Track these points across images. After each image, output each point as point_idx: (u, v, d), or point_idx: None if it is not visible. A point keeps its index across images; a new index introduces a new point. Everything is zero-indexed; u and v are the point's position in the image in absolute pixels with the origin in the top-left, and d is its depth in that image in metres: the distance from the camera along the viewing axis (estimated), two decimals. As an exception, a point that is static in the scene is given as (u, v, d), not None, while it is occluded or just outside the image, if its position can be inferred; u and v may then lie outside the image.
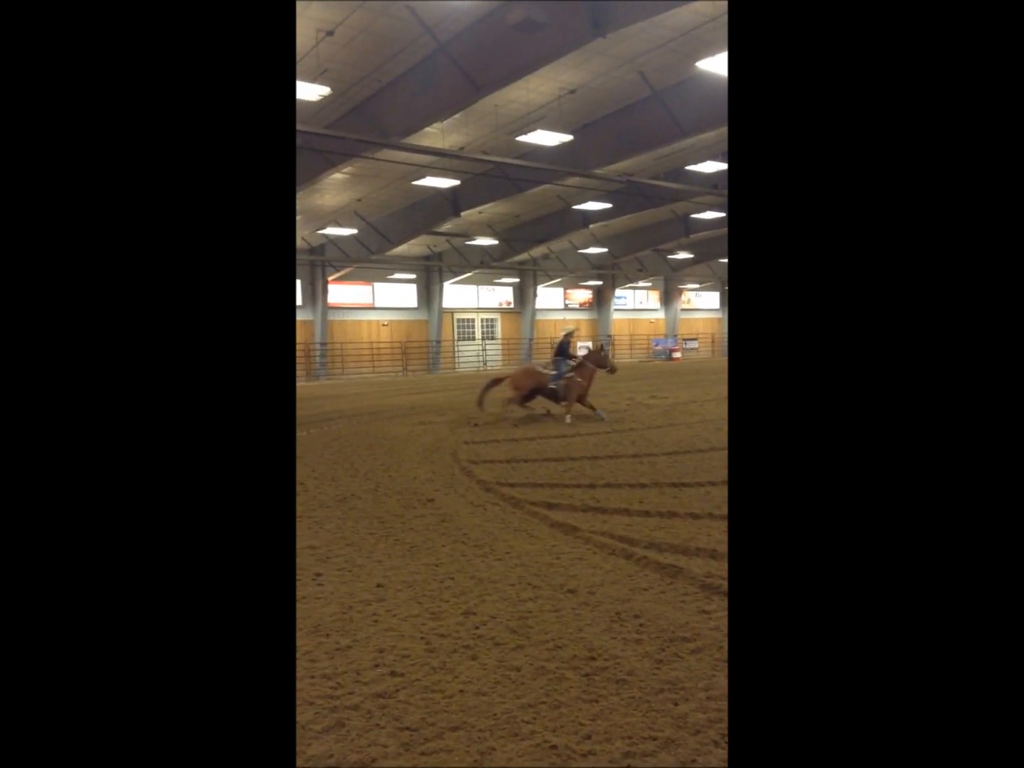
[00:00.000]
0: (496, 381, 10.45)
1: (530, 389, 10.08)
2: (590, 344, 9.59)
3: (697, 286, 35.74)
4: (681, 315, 35.47)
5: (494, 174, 16.76)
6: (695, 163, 16.79)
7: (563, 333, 10.64)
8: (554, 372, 10.00)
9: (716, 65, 10.48)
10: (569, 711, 2.31)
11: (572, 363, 10.11)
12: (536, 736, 2.18)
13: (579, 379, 9.95)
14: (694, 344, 35.01)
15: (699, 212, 22.99)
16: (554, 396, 10.05)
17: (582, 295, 32.80)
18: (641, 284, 33.54)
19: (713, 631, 2.87)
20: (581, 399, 10.02)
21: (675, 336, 33.84)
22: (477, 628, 2.99)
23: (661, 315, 35.25)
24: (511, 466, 6.74)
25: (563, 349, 10.21)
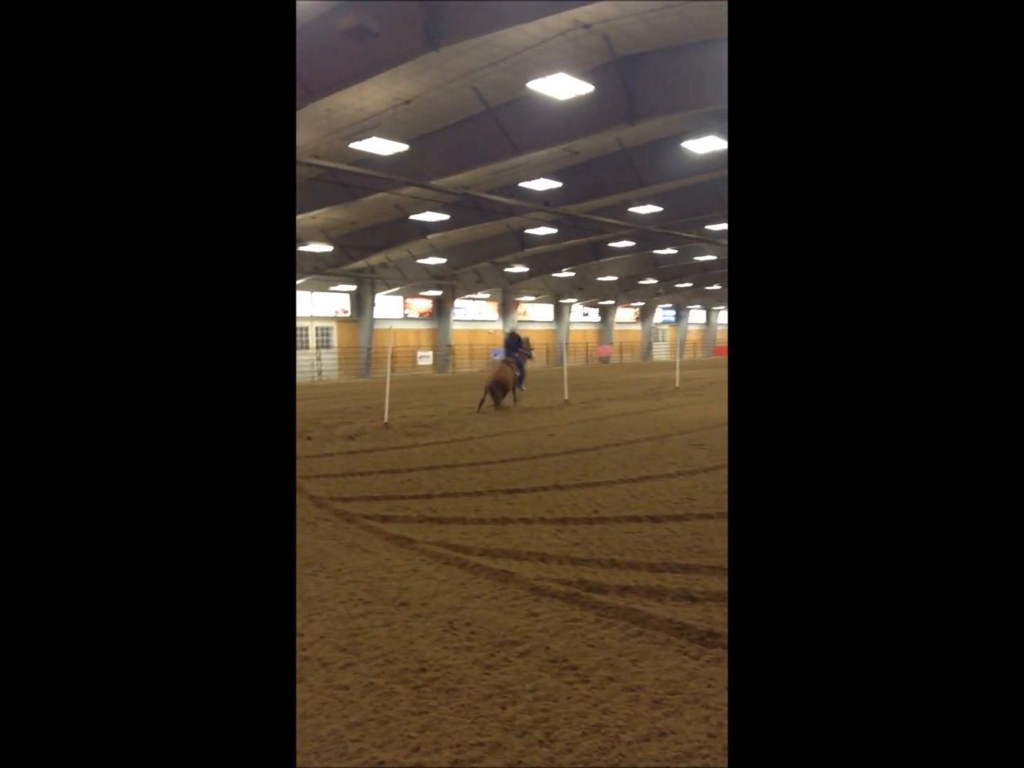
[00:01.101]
0: (491, 390, 12.41)
1: (503, 383, 12.46)
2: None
3: (532, 298, 36.91)
4: (518, 326, 36.46)
5: (327, 179, 16.35)
6: (528, 180, 17.37)
7: (508, 332, 13.92)
8: (516, 366, 12.83)
9: (547, 86, 10.93)
10: (398, 725, 2.29)
11: (516, 355, 13.37)
12: (364, 754, 2.14)
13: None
14: (531, 354, 36.05)
15: (533, 228, 23.78)
16: (518, 382, 12.95)
17: (422, 304, 32.77)
18: (480, 295, 34.10)
19: (541, 633, 2.97)
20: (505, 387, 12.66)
21: (513, 346, 34.68)
22: (304, 649, 2.89)
23: (499, 326, 36.02)
24: (345, 480, 6.58)
25: (516, 345, 13.18)
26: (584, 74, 11.22)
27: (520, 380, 12.92)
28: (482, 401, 12.35)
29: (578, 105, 12.05)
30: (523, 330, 18.52)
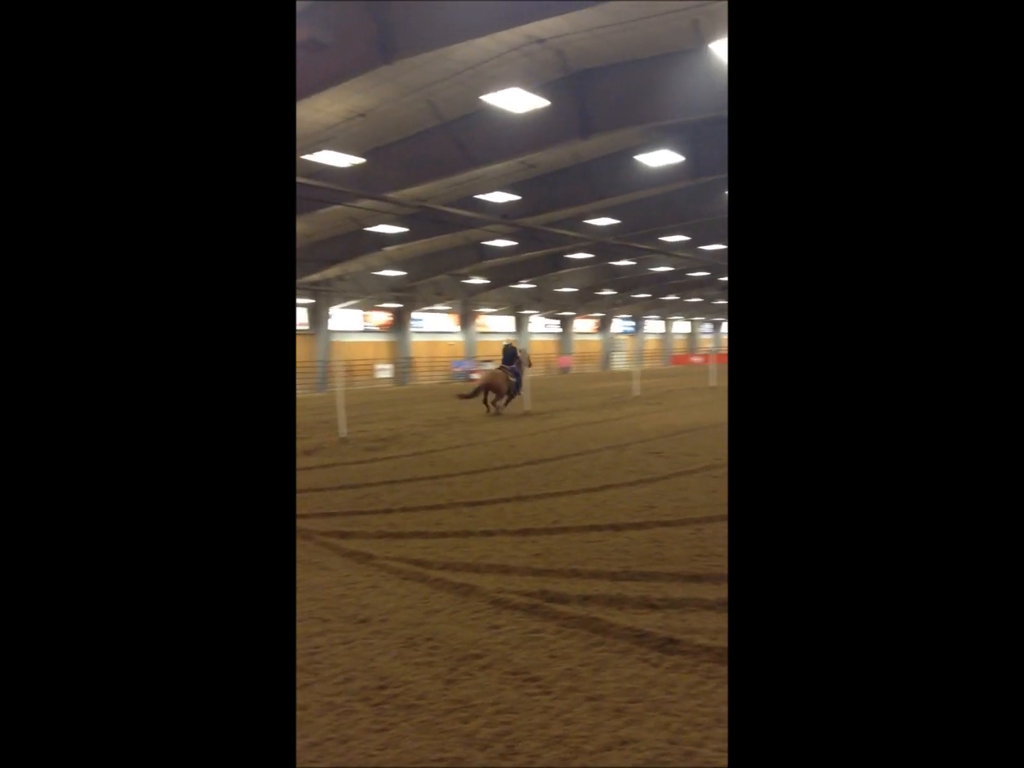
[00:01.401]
0: (481, 388, 13.75)
1: (495, 388, 13.69)
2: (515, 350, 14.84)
3: (493, 310, 36.98)
4: (478, 338, 36.47)
5: (283, 193, 16.16)
6: (486, 193, 17.44)
7: (505, 345, 14.85)
8: (514, 376, 14.03)
9: (502, 100, 11.01)
10: (358, 744, 2.25)
11: (513, 366, 14.25)
12: (322, 776, 2.10)
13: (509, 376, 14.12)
14: (491, 366, 36.03)
15: (492, 240, 23.86)
16: (515, 390, 14.07)
17: (381, 317, 32.57)
18: (439, 307, 34.03)
19: (502, 645, 2.96)
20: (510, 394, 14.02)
21: (473, 358, 34.67)
22: (261, 670, 2.83)
23: (460, 338, 35.98)
24: (302, 496, 6.48)
25: (512, 356, 14.29)
26: (539, 88, 11.34)
27: (517, 388, 14.12)
28: (483, 399, 13.81)
29: (533, 119, 12.16)
30: (530, 342, 18.74)
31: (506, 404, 13.97)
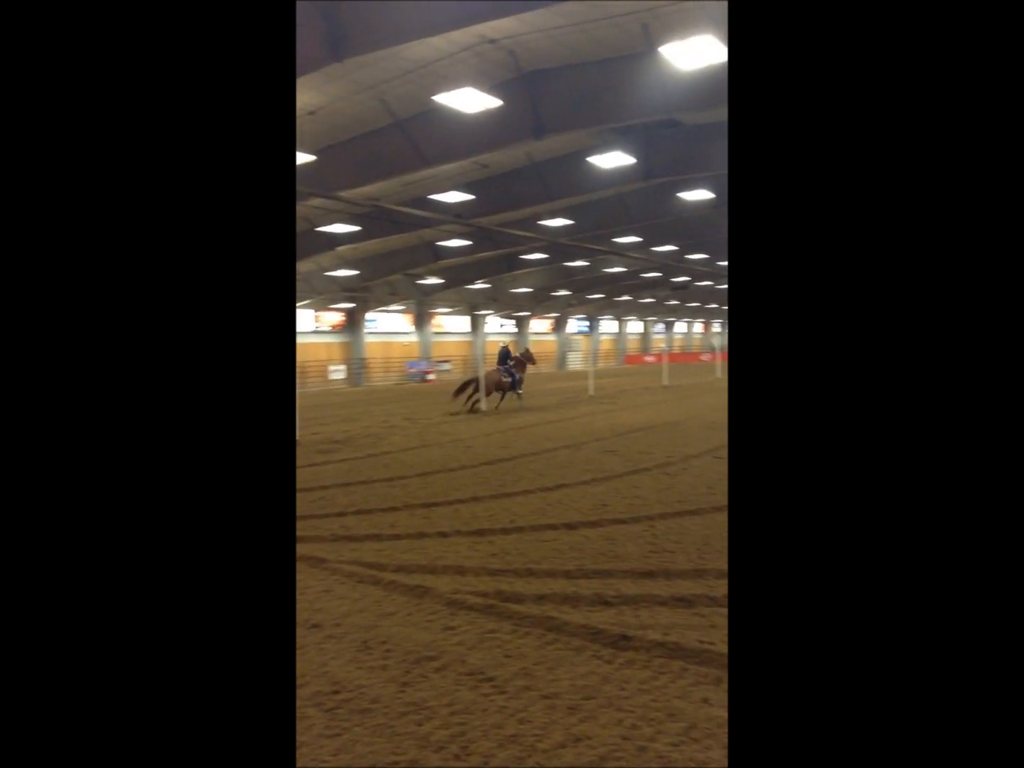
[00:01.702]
0: (470, 383, 14.77)
1: (496, 385, 14.96)
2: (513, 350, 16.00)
3: (448, 310, 36.86)
4: (433, 338, 36.30)
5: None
6: (440, 192, 17.37)
7: (501, 346, 15.82)
8: (506, 374, 15.09)
9: (454, 100, 10.98)
10: (311, 750, 2.22)
11: (511, 363, 15.33)
12: (273, 785, 2.06)
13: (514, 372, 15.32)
14: (447, 366, 35.97)
15: (446, 240, 23.78)
16: (511, 387, 15.13)
17: (334, 317, 32.16)
18: (394, 308, 33.77)
19: (457, 646, 2.95)
20: (502, 388, 15.10)
21: (429, 359, 34.50)
22: (210, 679, 2.77)
23: (415, 338, 35.75)
24: (255, 500, 6.36)
25: (504, 356, 15.37)
26: (491, 88, 11.33)
27: (514, 385, 15.22)
28: (467, 395, 14.68)
29: (486, 119, 12.16)
30: (531, 342, 19.14)
31: (500, 400, 15.15)
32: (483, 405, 14.51)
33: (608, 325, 50.75)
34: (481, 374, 14.78)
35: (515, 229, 20.34)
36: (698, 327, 61.86)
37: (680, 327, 59.52)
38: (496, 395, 15.11)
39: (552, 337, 45.86)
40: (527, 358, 15.88)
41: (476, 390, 14.60)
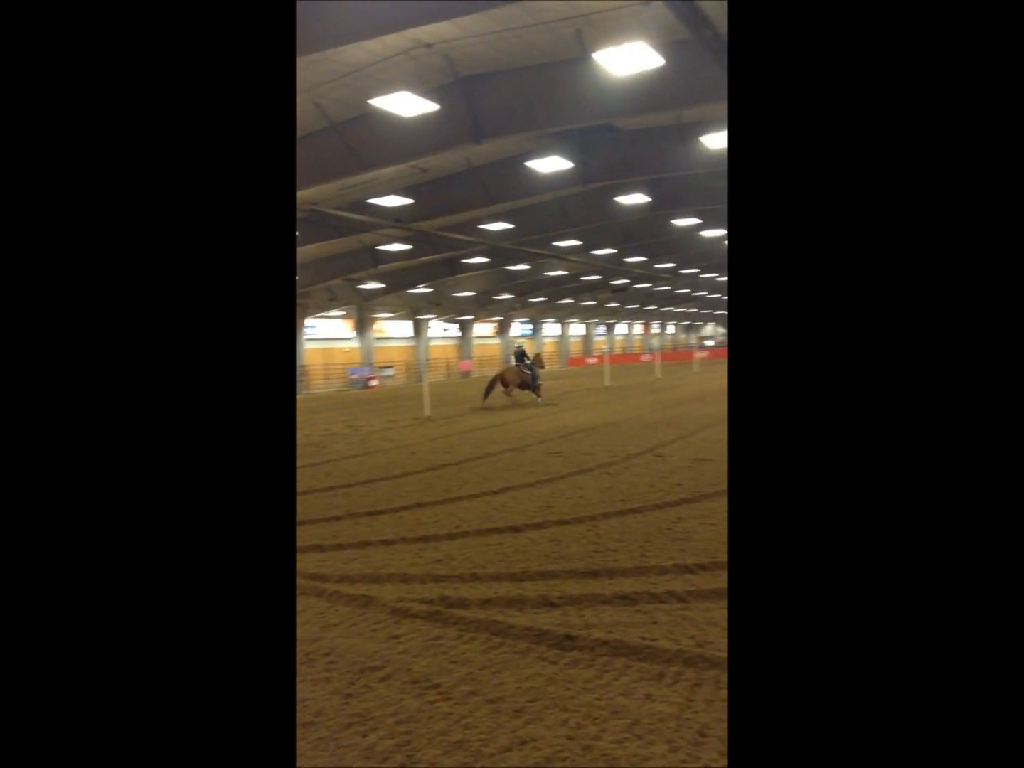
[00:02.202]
0: (495, 381, 16.33)
1: (520, 382, 16.18)
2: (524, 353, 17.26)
3: (390, 315, 36.52)
4: (376, 344, 35.89)
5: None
6: (379, 196, 17.21)
7: (516, 346, 17.56)
8: (528, 370, 16.28)
9: (391, 104, 10.90)
10: None
11: (528, 360, 16.60)
12: (213, 807, 2.00)
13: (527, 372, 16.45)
14: (390, 372, 35.62)
15: (386, 244, 23.57)
16: (529, 385, 16.22)
17: (272, 326, 31.41)
18: (334, 313, 33.27)
19: (402, 655, 2.93)
20: (527, 385, 16.28)
21: (371, 365, 34.10)
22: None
23: (356, 344, 35.29)
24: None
25: (521, 356, 16.73)
26: (428, 93, 11.30)
27: (534, 380, 16.30)
28: (488, 391, 16.20)
29: (423, 123, 12.11)
30: (545, 343, 18.13)
31: (510, 392, 16.39)
32: (509, 398, 16.27)
33: (551, 328, 51.14)
34: (500, 372, 16.88)
35: (456, 233, 20.32)
36: (638, 328, 62.89)
37: (621, 328, 60.41)
38: (497, 390, 16.54)
39: (496, 341, 45.94)
40: (539, 362, 17.17)
41: (504, 385, 16.17)
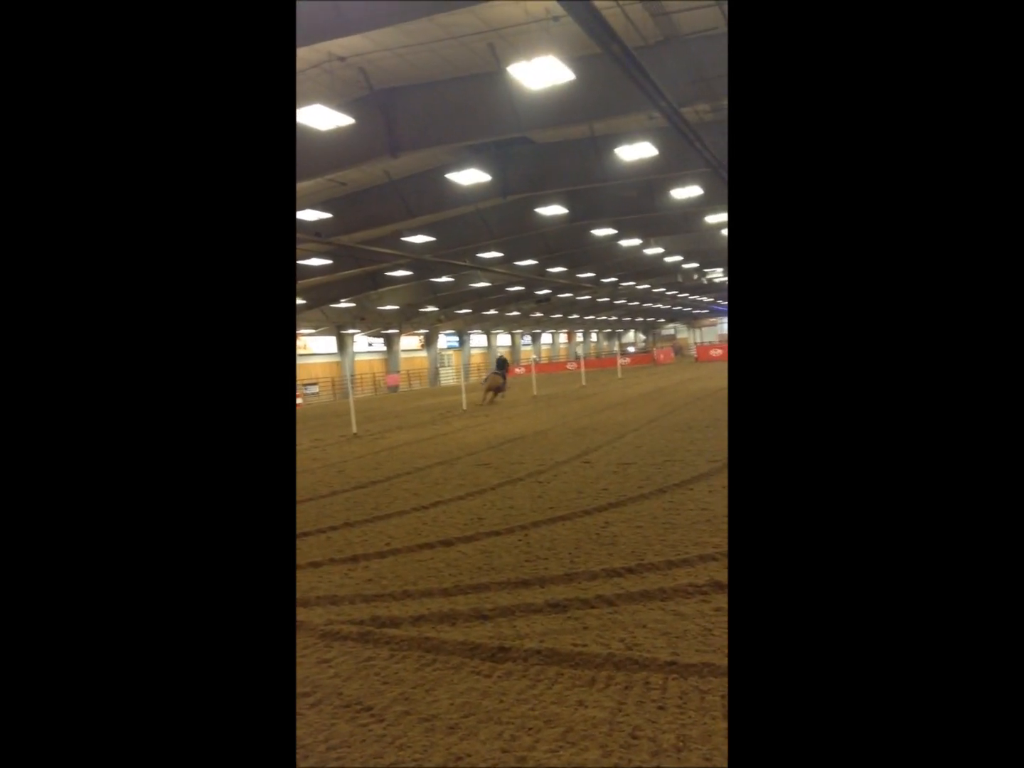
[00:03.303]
0: (490, 388, 19.62)
1: (497, 386, 19.64)
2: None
3: (312, 331, 35.81)
4: (299, 360, 35.11)
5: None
6: (297, 210, 16.91)
7: (499, 356, 20.86)
8: (502, 377, 20.10)
9: (305, 117, 10.74)
10: (174, 813, 2.07)
11: (505, 370, 20.67)
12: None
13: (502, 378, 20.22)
14: (314, 389, 34.91)
15: (306, 259, 23.14)
16: (501, 389, 19.90)
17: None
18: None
19: (333, 679, 2.86)
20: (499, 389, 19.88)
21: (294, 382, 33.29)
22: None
23: (278, 362, 34.33)
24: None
25: (502, 364, 20.89)
26: (343, 106, 11.19)
27: (503, 387, 19.86)
28: (485, 397, 19.41)
29: (339, 136, 11.98)
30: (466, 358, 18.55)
31: (500, 396, 19.87)
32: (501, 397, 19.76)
33: (478, 339, 51.23)
34: (489, 378, 20.17)
35: (377, 246, 20.13)
36: (563, 337, 63.72)
37: (546, 338, 61.06)
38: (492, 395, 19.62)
39: (423, 354, 45.68)
40: (508, 371, 21.29)
41: (489, 389, 19.64)
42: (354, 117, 11.29)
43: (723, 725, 2.23)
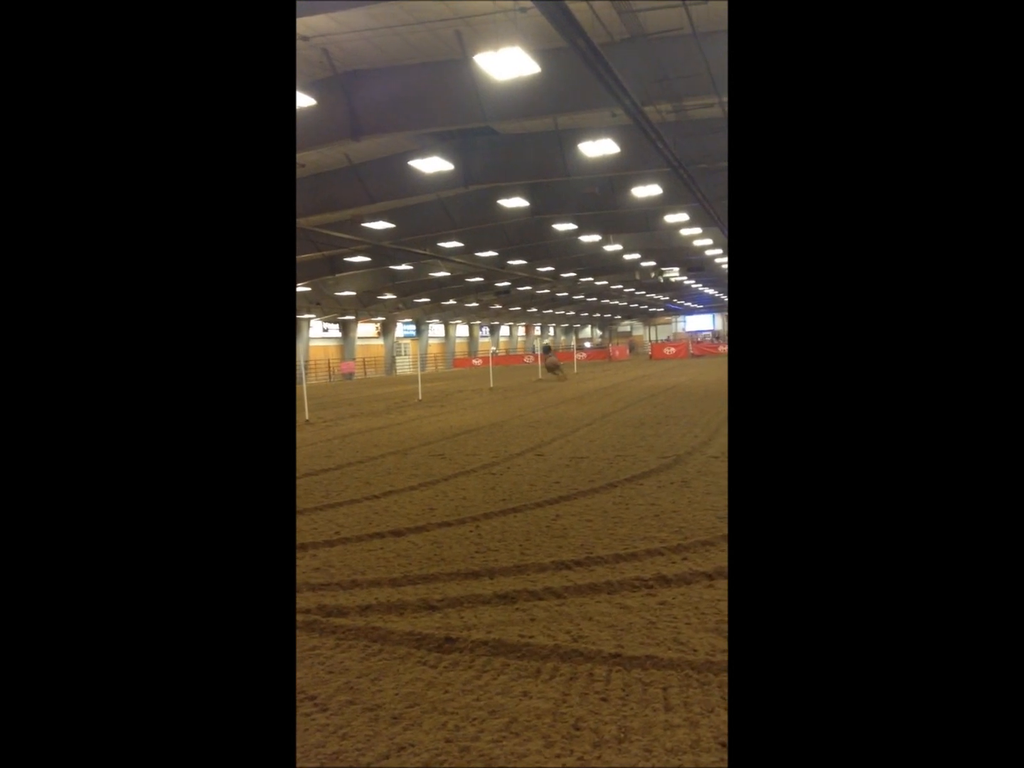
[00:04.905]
0: (551, 368, 24.41)
1: (554, 366, 24.52)
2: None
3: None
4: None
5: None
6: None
7: (545, 342, 23.97)
8: (552, 359, 25.15)
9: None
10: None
11: (554, 354, 25.77)
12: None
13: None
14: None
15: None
16: (558, 366, 24.76)
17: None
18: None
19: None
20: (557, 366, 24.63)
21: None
22: None
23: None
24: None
25: (547, 350, 26.30)
26: (305, 87, 10.97)
27: (557, 368, 24.54)
28: (556, 374, 24.11)
29: (300, 117, 11.73)
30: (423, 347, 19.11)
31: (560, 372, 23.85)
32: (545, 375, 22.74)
33: (436, 329, 50.95)
34: (547, 360, 24.42)
35: (336, 231, 19.83)
36: (521, 330, 63.85)
37: (504, 331, 61.08)
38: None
39: (380, 342, 45.25)
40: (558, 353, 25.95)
41: (551, 369, 24.14)
42: (316, 98, 11.09)
43: (663, 717, 2.28)
